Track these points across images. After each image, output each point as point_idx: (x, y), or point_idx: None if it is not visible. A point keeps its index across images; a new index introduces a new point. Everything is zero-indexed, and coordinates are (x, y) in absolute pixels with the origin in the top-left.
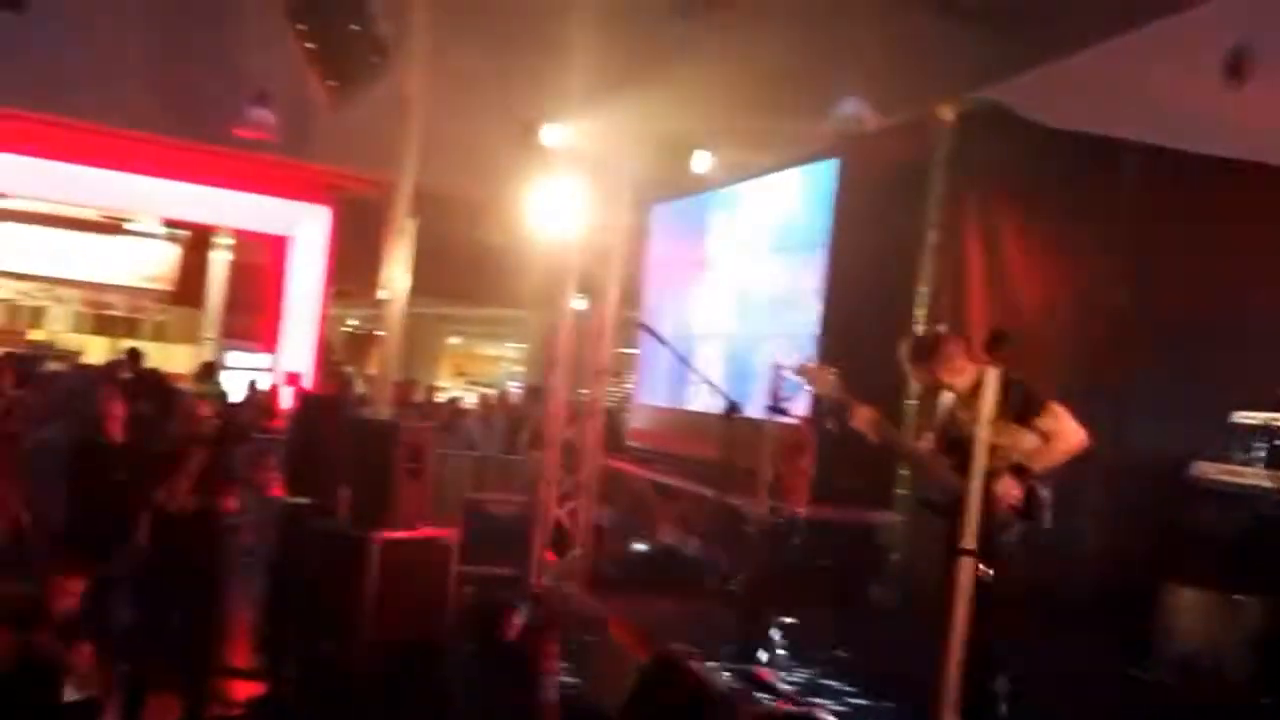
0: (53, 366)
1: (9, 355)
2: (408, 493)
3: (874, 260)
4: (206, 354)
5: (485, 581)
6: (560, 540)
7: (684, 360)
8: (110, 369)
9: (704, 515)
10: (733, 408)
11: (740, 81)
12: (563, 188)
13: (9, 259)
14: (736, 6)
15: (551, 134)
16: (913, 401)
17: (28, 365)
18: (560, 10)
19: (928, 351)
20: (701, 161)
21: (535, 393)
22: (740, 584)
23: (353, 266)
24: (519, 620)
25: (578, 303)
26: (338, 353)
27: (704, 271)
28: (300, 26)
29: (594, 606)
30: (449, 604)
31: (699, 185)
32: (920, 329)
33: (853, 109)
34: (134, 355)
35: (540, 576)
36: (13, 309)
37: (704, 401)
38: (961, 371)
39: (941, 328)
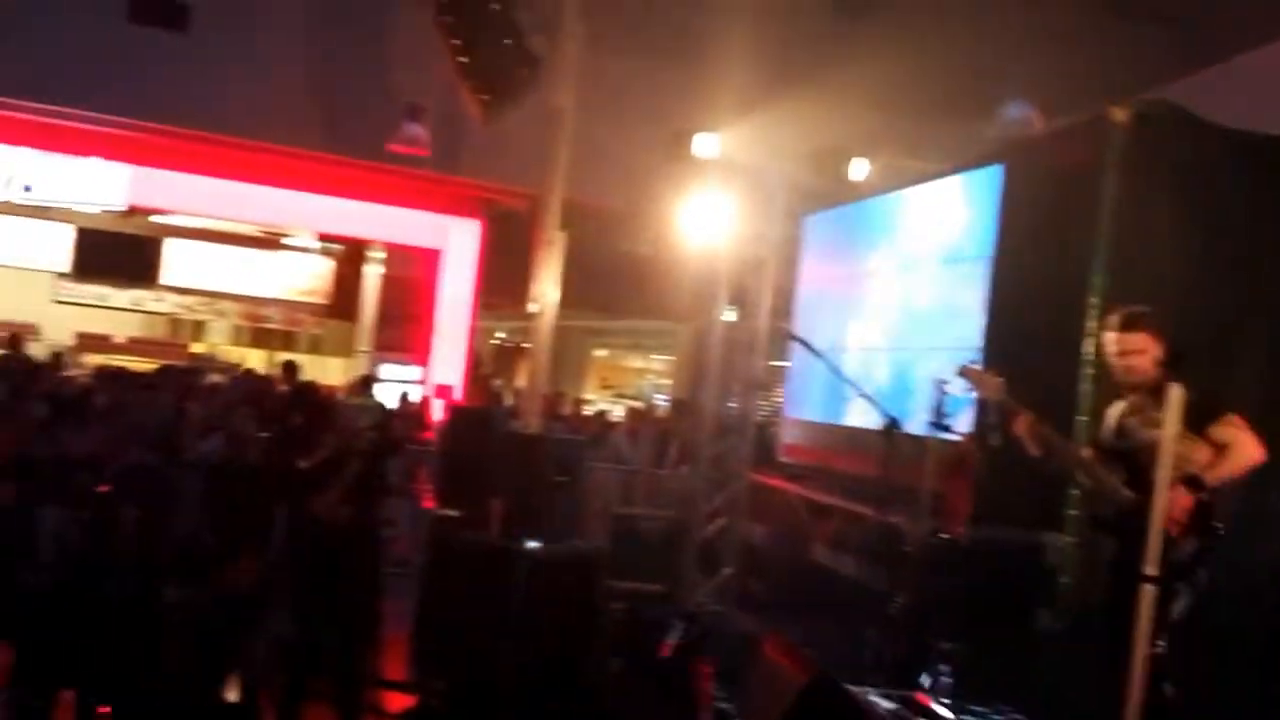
0: (213, 379)
1: (168, 368)
2: (558, 506)
3: (1041, 271)
4: (360, 366)
5: (634, 598)
6: (710, 558)
7: (839, 373)
8: (263, 382)
9: (860, 534)
10: (892, 423)
11: (899, 85)
12: (714, 198)
13: (173, 274)
14: (895, 7)
15: (703, 144)
16: (1083, 417)
17: (190, 378)
18: (712, 18)
19: (1138, 324)
20: (859, 169)
21: (683, 406)
22: (899, 606)
23: (501, 279)
24: (672, 639)
25: (728, 314)
26: (486, 365)
27: (860, 282)
28: (453, 41)
29: (746, 626)
30: (598, 619)
31: (856, 194)
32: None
33: (1019, 112)
34: (290, 368)
35: (690, 595)
36: (176, 323)
37: (859, 416)
38: (1148, 360)
39: (1147, 309)
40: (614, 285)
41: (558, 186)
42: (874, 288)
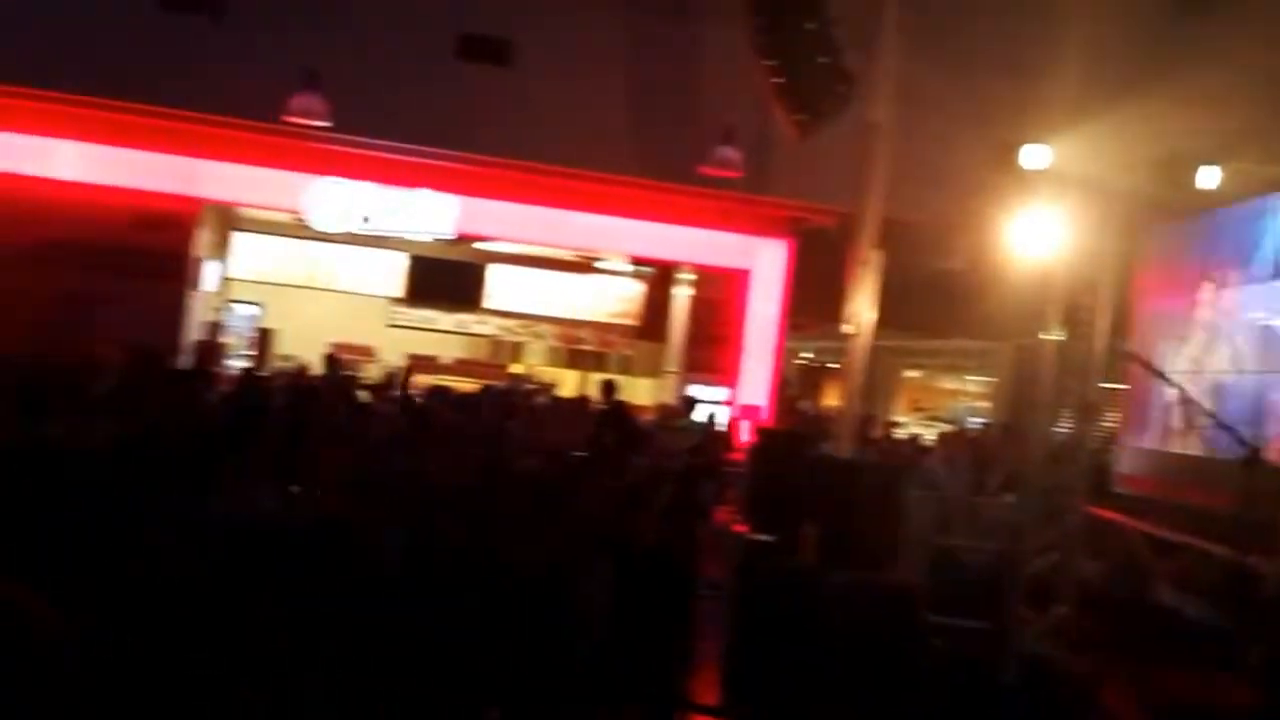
0: (532, 399)
1: (489, 388)
2: (873, 534)
3: None
4: (668, 387)
5: (955, 634)
6: (1039, 595)
7: (1187, 398)
8: (578, 402)
9: (1211, 574)
10: (1253, 454)
11: (1253, 85)
12: (1044, 212)
13: (495, 298)
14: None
15: (1032, 155)
16: None
17: (509, 398)
18: (1039, 24)
19: None
20: (1208, 177)
21: (1006, 431)
22: (1258, 656)
23: (809, 298)
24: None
25: (1057, 333)
26: (793, 386)
27: (1207, 299)
28: (768, 62)
29: (1082, 671)
30: (917, 655)
31: (1203, 203)
32: None
33: None
34: (608, 387)
35: (1019, 634)
36: (496, 344)
37: (1207, 445)
38: None
39: None
40: (930, 304)
41: (874, 204)
42: (1224, 305)
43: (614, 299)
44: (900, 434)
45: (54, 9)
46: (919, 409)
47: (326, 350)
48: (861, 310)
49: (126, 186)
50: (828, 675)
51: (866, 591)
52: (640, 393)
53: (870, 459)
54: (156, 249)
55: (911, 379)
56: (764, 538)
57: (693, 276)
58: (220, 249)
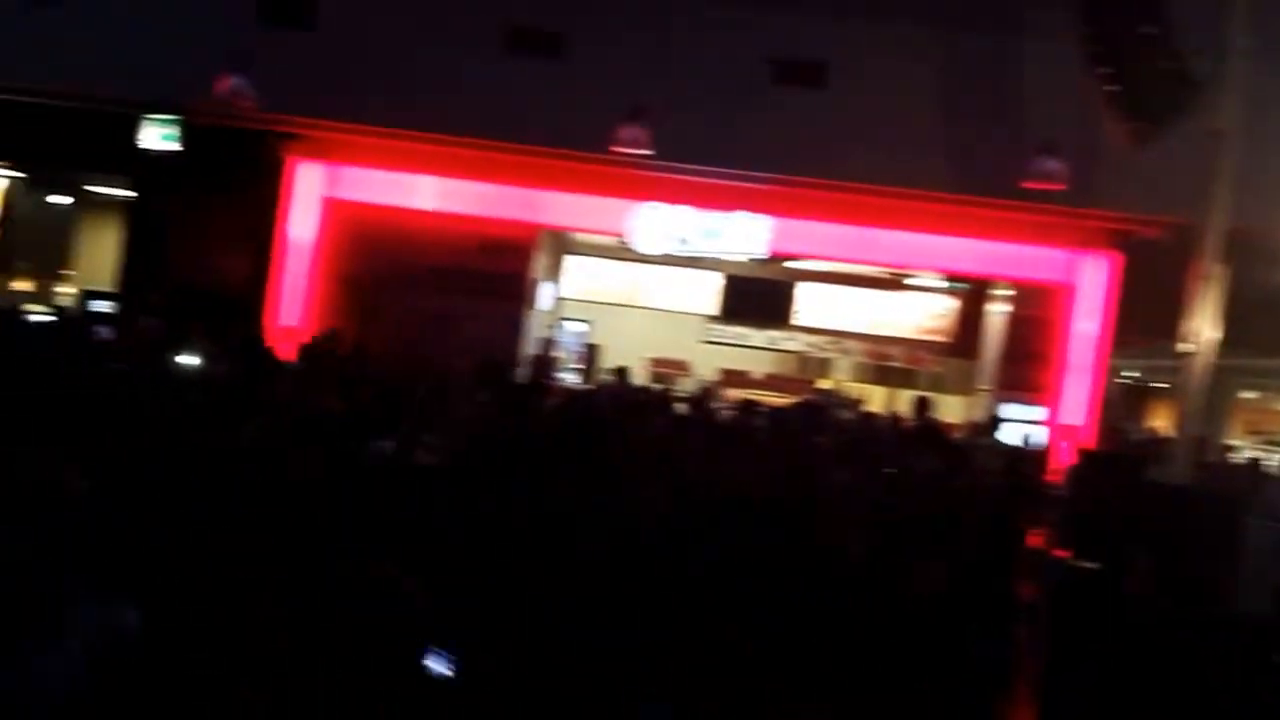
0: (841, 414)
1: (806, 403)
2: (1210, 566)
3: None
4: (979, 405)
5: None
6: None
7: None
8: (892, 420)
9: None
10: None
11: None
12: None
13: (804, 315)
14: None
15: None
16: None
17: (819, 413)
18: None
19: None
20: None
21: None
22: None
23: (1134, 315)
24: None
25: None
26: (1116, 407)
27: None
28: (1101, 70)
29: None
30: (1268, 699)
31: None
32: None
33: None
34: (921, 404)
35: None
36: (805, 360)
37: None
38: None
39: None
40: (1270, 320)
41: (1218, 216)
42: None
43: (924, 315)
44: (1237, 458)
45: (412, 59)
46: (1256, 432)
47: (640, 364)
48: (1202, 327)
49: (475, 215)
50: (1162, 715)
51: (1210, 627)
52: (950, 410)
53: (1205, 485)
54: (500, 272)
55: (1248, 400)
56: (1088, 564)
57: (1009, 292)
58: (554, 271)
